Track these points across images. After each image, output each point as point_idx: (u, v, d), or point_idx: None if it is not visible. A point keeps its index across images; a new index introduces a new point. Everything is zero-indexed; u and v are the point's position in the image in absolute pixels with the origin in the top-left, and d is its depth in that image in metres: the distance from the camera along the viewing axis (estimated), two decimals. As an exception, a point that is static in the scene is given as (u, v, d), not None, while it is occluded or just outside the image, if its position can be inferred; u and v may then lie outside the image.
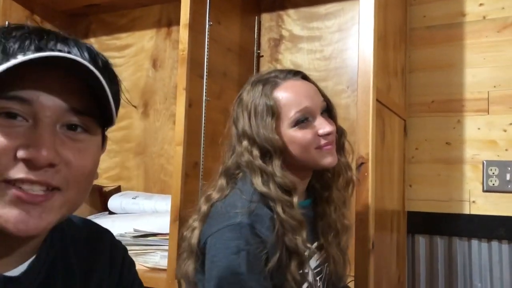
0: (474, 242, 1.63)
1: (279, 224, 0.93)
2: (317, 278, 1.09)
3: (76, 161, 0.53)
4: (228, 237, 0.90)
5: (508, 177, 1.59)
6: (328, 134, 0.99)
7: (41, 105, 0.51)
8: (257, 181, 0.96)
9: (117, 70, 0.62)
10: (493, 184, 1.60)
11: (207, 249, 0.92)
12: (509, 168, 1.59)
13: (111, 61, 0.61)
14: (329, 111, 1.06)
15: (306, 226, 0.97)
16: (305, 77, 1.06)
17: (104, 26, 2.15)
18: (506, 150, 1.61)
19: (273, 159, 0.97)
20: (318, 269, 1.09)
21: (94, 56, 0.56)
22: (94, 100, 0.55)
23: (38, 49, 0.52)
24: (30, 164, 0.49)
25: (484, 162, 1.63)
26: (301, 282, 0.97)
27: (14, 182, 0.50)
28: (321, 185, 1.11)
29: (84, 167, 0.55)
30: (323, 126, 0.99)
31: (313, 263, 1.07)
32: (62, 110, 0.53)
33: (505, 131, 1.62)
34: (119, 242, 0.75)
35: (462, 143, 1.67)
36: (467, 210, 1.64)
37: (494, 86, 1.64)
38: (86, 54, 0.55)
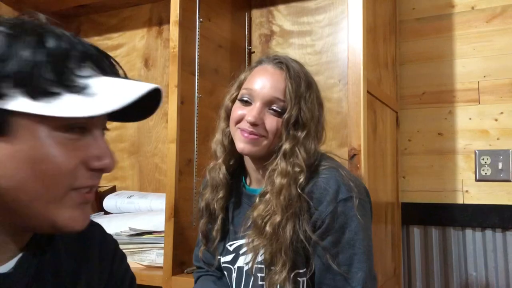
0: (468, 232, 1.64)
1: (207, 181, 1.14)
2: (258, 275, 1.02)
3: (114, 162, 0.59)
4: None
5: (500, 166, 1.60)
6: (250, 123, 0.98)
7: (94, 117, 0.54)
8: (215, 138, 1.13)
9: None
10: (486, 173, 1.62)
11: None
12: (501, 157, 1.60)
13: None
14: (282, 112, 1.00)
15: (222, 189, 1.09)
16: (282, 67, 1.03)
17: (95, 27, 2.15)
18: (498, 139, 1.62)
19: (222, 123, 1.11)
20: (261, 266, 1.02)
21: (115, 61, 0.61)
22: None
23: (91, 61, 0.56)
24: (99, 171, 0.57)
25: (476, 151, 1.64)
26: (211, 239, 1.14)
27: (78, 188, 0.55)
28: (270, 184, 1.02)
29: (115, 165, 0.61)
30: (251, 114, 0.99)
31: (258, 256, 1.01)
32: (105, 118, 0.59)
33: (496, 120, 1.63)
34: (109, 235, 0.75)
35: (454, 134, 1.69)
36: (460, 200, 1.65)
37: (484, 76, 1.65)
38: (113, 60, 0.60)
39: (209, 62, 1.59)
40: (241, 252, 1.07)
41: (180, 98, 1.42)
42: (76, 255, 0.67)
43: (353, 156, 1.22)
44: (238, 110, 1.03)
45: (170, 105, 1.41)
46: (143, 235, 1.51)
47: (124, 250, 0.76)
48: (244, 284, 1.06)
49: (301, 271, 0.99)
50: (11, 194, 0.51)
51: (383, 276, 1.45)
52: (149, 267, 1.48)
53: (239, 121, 1.02)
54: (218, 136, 1.11)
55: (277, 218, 0.95)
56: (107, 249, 0.72)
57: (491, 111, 1.64)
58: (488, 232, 1.61)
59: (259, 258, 1.01)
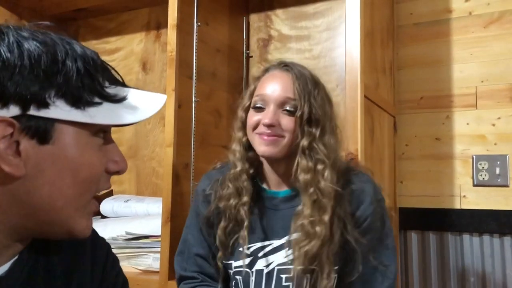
0: (466, 237, 1.64)
1: (218, 188, 1.12)
2: (282, 276, 1.05)
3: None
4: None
5: (497, 171, 1.60)
6: (266, 125, 1.03)
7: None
8: (232, 148, 1.14)
9: None
10: (483, 179, 1.61)
11: None
12: (498, 162, 1.60)
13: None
14: (294, 111, 1.04)
15: (247, 195, 1.08)
16: (289, 70, 1.09)
17: (93, 31, 2.15)
18: (495, 144, 1.62)
19: (239, 133, 1.13)
20: (286, 267, 1.05)
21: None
22: None
23: (106, 74, 0.58)
24: (113, 175, 0.59)
25: (474, 156, 1.64)
26: (229, 247, 1.10)
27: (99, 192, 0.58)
28: (298, 179, 1.05)
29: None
30: (264, 116, 1.04)
31: (278, 257, 1.06)
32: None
33: (493, 125, 1.63)
34: (102, 239, 0.74)
35: (451, 139, 1.69)
36: (458, 205, 1.65)
37: (482, 81, 1.66)
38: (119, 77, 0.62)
39: (207, 66, 1.59)
40: (259, 254, 1.08)
41: (177, 102, 1.42)
42: (69, 259, 0.66)
43: (350, 160, 1.22)
44: (253, 117, 1.07)
45: (167, 109, 1.41)
46: (140, 240, 1.51)
47: (120, 255, 0.76)
48: (265, 287, 1.07)
49: (336, 267, 1.03)
50: (48, 200, 0.52)
51: (381, 281, 1.44)
52: (146, 272, 1.47)
53: (256, 126, 1.06)
54: (235, 146, 1.13)
55: (324, 218, 1.00)
56: (99, 253, 0.72)
57: (488, 116, 1.64)
58: (486, 237, 1.61)
59: (283, 260, 1.06)
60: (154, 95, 0.59)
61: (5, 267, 0.56)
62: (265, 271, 1.07)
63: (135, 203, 1.74)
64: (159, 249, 1.40)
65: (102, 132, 0.56)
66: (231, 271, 1.10)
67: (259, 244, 1.08)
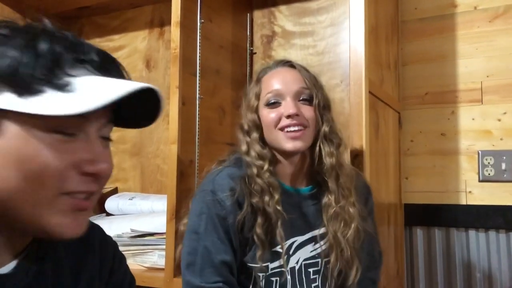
0: (472, 233, 1.63)
1: (247, 187, 1.05)
2: (310, 270, 1.09)
3: (111, 167, 0.58)
4: (196, 201, 1.08)
5: (503, 166, 1.59)
6: (290, 115, 1.04)
7: (90, 119, 0.54)
8: (243, 149, 1.11)
9: None
10: (489, 174, 1.61)
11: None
12: (504, 158, 1.59)
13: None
14: (310, 100, 1.09)
15: (278, 192, 1.05)
16: (292, 65, 1.14)
17: (96, 28, 2.15)
18: (501, 139, 1.61)
19: (252, 134, 1.11)
20: (313, 260, 1.09)
21: (114, 58, 0.60)
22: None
23: (82, 62, 0.54)
24: (92, 176, 0.54)
25: (479, 152, 1.63)
26: (267, 244, 1.03)
27: (71, 193, 0.53)
28: (322, 173, 1.10)
29: (111, 171, 0.58)
30: (287, 107, 1.05)
31: (304, 253, 1.08)
32: (103, 123, 0.57)
33: (499, 120, 1.62)
34: (109, 237, 0.74)
35: (457, 134, 1.68)
36: (463, 200, 1.64)
37: (487, 76, 1.65)
38: (115, 61, 0.59)
39: (211, 63, 1.59)
40: (290, 252, 1.08)
41: (181, 99, 1.41)
42: (76, 257, 0.66)
43: (355, 156, 1.22)
44: (271, 114, 1.07)
45: (171, 106, 1.41)
46: (145, 237, 1.51)
47: (125, 252, 0.76)
48: (299, 284, 1.08)
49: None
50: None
51: (386, 277, 1.44)
52: (151, 269, 1.47)
53: (278, 122, 1.06)
54: (249, 148, 1.10)
55: (351, 199, 1.06)
56: (107, 251, 0.72)
57: (494, 111, 1.63)
58: (492, 233, 1.60)
59: (309, 254, 1.09)
60: (130, 84, 0.53)
61: (12, 264, 0.56)
62: (296, 267, 1.08)
63: (140, 200, 1.75)
64: (164, 246, 1.40)
65: (71, 128, 0.53)
66: (265, 274, 1.05)
67: (288, 242, 1.08)
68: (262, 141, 1.11)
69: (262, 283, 1.04)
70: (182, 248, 1.08)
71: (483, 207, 1.60)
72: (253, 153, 1.09)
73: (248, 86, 1.19)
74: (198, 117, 1.50)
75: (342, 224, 1.06)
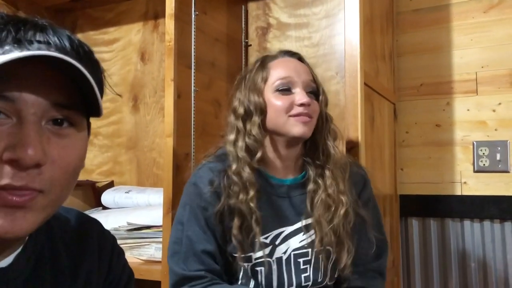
0: (467, 223, 1.64)
1: (225, 182, 1.06)
2: (300, 260, 1.08)
3: (60, 159, 0.51)
4: (183, 194, 1.13)
5: (498, 157, 1.60)
6: (304, 104, 1.04)
7: (24, 102, 0.49)
8: (230, 138, 1.10)
9: (105, 65, 0.60)
10: (484, 165, 1.61)
11: None
12: (499, 148, 1.60)
13: (98, 54, 0.58)
14: (316, 94, 1.10)
15: (254, 189, 1.04)
16: (300, 59, 1.15)
17: (91, 21, 2.13)
18: (496, 130, 1.62)
19: (252, 117, 1.08)
20: (303, 250, 1.08)
21: (76, 46, 0.54)
22: (77, 92, 0.53)
23: (16, 41, 0.49)
24: (15, 165, 0.47)
25: (474, 142, 1.64)
26: (246, 244, 1.05)
27: None
28: (313, 161, 1.12)
29: (68, 165, 0.53)
30: (300, 96, 1.05)
31: (293, 243, 1.08)
32: (46, 105, 0.51)
33: (494, 111, 1.62)
34: (107, 231, 0.74)
35: (452, 125, 1.68)
36: (458, 191, 1.65)
37: (482, 67, 1.65)
38: (66, 43, 0.53)
39: (206, 55, 1.58)
40: (276, 242, 1.08)
41: (176, 92, 1.41)
42: (75, 251, 0.66)
43: (351, 148, 1.22)
44: (283, 100, 1.07)
45: (167, 99, 1.40)
46: (142, 230, 1.51)
47: (122, 245, 0.76)
48: (286, 274, 1.07)
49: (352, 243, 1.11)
50: None
51: (382, 268, 1.45)
52: (148, 262, 1.47)
53: (289, 109, 1.06)
54: (239, 136, 1.09)
55: (341, 186, 1.08)
56: (105, 245, 0.72)
57: (489, 102, 1.63)
58: (487, 223, 1.61)
59: (298, 244, 1.08)
60: (23, 53, 0.47)
61: (10, 259, 0.56)
62: (284, 257, 1.08)
63: (136, 194, 1.75)
64: (161, 239, 1.41)
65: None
66: (250, 264, 1.06)
67: (275, 232, 1.08)
68: (261, 126, 1.09)
69: (248, 272, 1.07)
70: (169, 238, 1.12)
71: (478, 197, 1.62)
72: (240, 144, 1.07)
73: (248, 69, 1.17)
74: (194, 110, 1.49)
75: (327, 209, 1.07)
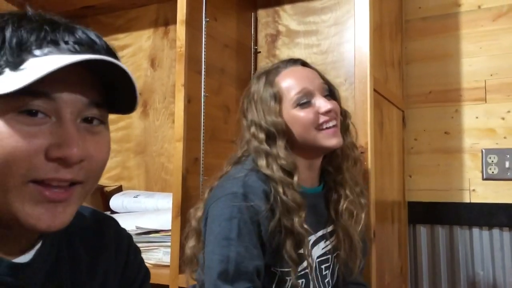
0: (475, 230, 1.64)
1: (278, 203, 0.98)
2: (322, 267, 1.09)
3: (96, 154, 0.54)
4: (223, 205, 0.97)
5: (507, 164, 1.59)
6: (328, 111, 1.03)
7: (63, 101, 0.51)
8: (262, 164, 1.02)
9: None
10: (493, 172, 1.61)
11: (207, 218, 1.01)
12: (508, 156, 1.59)
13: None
14: (331, 94, 1.10)
15: (305, 209, 1.00)
16: (304, 64, 1.12)
17: (101, 28, 2.16)
18: (505, 137, 1.61)
19: (277, 141, 1.03)
20: (325, 257, 1.09)
21: (105, 45, 0.56)
22: (106, 90, 0.56)
23: (54, 43, 0.51)
24: (61, 162, 0.50)
25: (483, 150, 1.64)
26: (298, 261, 1.00)
27: (41, 181, 0.50)
28: (334, 169, 1.12)
29: (102, 160, 0.56)
30: (323, 104, 1.03)
31: (317, 250, 1.08)
32: (83, 104, 0.53)
33: (503, 119, 1.62)
34: (123, 229, 0.75)
35: (460, 133, 1.68)
36: (467, 198, 1.65)
37: (491, 75, 1.65)
38: (97, 41, 0.55)
39: (216, 61, 1.60)
40: (312, 254, 1.07)
41: (186, 97, 1.42)
42: (93, 248, 0.67)
43: (360, 154, 1.22)
44: (307, 114, 1.04)
45: (177, 104, 1.42)
46: (150, 234, 1.52)
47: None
48: (315, 282, 1.07)
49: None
50: None
51: (390, 274, 1.45)
52: (156, 266, 1.48)
53: (316, 121, 1.03)
54: (270, 161, 1.02)
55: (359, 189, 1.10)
56: (122, 242, 0.72)
57: (498, 109, 1.63)
58: (496, 231, 1.61)
59: (321, 251, 1.08)
60: (75, 57, 0.49)
61: (30, 254, 0.57)
62: (313, 266, 1.07)
63: (145, 198, 1.75)
64: (169, 243, 1.41)
65: (42, 111, 0.50)
66: (291, 277, 1.00)
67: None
68: (289, 147, 1.04)
69: (289, 285, 1.01)
70: (209, 255, 0.98)
71: (487, 205, 1.61)
72: (275, 167, 1.01)
73: (252, 88, 1.11)
74: (203, 115, 1.50)
75: (351, 216, 1.08)
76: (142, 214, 1.67)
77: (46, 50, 0.51)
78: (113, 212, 1.80)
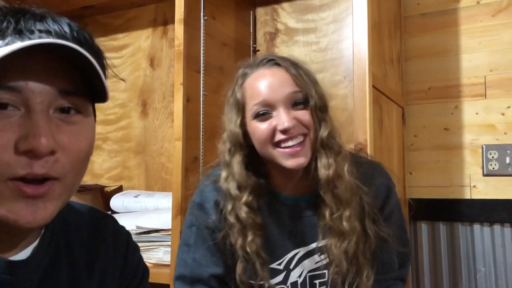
0: (476, 227, 1.63)
1: (226, 219, 0.98)
2: (316, 282, 1.02)
3: (72, 146, 0.52)
4: (188, 213, 1.06)
5: (507, 160, 1.59)
6: (286, 130, 0.90)
7: (31, 91, 0.49)
8: (223, 175, 1.00)
9: (114, 71, 0.60)
10: (493, 168, 1.61)
11: None
12: (508, 151, 1.59)
13: (107, 60, 0.59)
14: (305, 102, 0.94)
15: (259, 230, 0.96)
16: (277, 63, 0.98)
17: (100, 28, 2.16)
18: (505, 133, 1.61)
19: (235, 155, 0.99)
20: (318, 272, 1.02)
21: (76, 32, 0.54)
22: (81, 79, 0.54)
23: (17, 32, 0.49)
24: (31, 155, 0.48)
25: (483, 146, 1.63)
26: (259, 277, 0.97)
27: (19, 178, 0.49)
28: (321, 179, 0.96)
29: (80, 151, 0.53)
30: (282, 120, 0.91)
31: (309, 264, 1.02)
32: (53, 94, 0.51)
33: (503, 114, 1.62)
34: (122, 227, 0.75)
35: (460, 129, 1.68)
36: (468, 195, 1.64)
37: (491, 70, 1.65)
38: (67, 30, 0.53)
39: (214, 60, 1.59)
40: (291, 266, 1.01)
41: (185, 96, 1.42)
42: (90, 246, 0.67)
43: (359, 151, 1.22)
44: (262, 127, 0.93)
45: (176, 103, 1.41)
46: (150, 233, 1.52)
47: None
48: None
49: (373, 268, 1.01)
50: None
51: (391, 272, 1.44)
52: (156, 265, 1.48)
53: (271, 137, 0.92)
54: (230, 171, 0.98)
55: (347, 213, 0.94)
56: (120, 240, 0.72)
57: (497, 105, 1.63)
58: (497, 227, 1.60)
59: (314, 266, 1.02)
60: (28, 42, 0.47)
61: (27, 252, 0.57)
62: (299, 281, 1.02)
63: (145, 198, 1.75)
64: (169, 243, 1.41)
65: (11, 104, 0.48)
66: None
67: (288, 256, 1.01)
68: (247, 163, 0.98)
69: None
70: (176, 257, 1.05)
71: (488, 201, 1.61)
72: (231, 181, 0.97)
73: (228, 89, 1.05)
74: (202, 114, 1.50)
75: (337, 238, 0.95)
76: (142, 213, 1.67)
77: (7, 39, 0.49)
78: (114, 212, 1.80)
